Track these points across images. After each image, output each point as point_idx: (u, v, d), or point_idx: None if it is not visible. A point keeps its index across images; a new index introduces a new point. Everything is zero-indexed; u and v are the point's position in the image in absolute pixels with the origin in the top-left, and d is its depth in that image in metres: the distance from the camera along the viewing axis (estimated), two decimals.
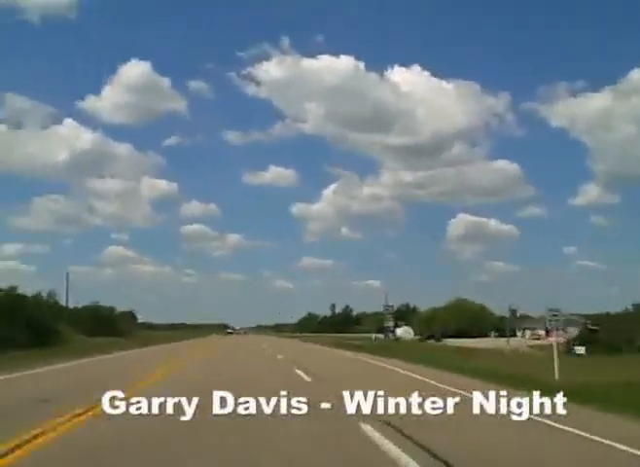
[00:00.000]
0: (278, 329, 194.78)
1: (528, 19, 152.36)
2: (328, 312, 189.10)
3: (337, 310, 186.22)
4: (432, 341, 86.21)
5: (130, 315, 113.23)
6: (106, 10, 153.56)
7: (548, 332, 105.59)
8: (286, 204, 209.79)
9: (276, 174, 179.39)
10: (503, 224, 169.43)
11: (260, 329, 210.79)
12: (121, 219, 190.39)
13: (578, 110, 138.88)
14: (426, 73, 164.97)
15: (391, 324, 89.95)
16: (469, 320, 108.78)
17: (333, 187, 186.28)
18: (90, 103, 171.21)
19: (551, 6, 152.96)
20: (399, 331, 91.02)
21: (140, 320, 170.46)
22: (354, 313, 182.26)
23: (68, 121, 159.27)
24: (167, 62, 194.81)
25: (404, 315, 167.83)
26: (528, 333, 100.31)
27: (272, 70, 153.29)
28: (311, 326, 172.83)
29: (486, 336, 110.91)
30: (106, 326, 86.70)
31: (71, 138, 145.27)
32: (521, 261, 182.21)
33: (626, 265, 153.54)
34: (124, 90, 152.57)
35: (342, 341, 73.36)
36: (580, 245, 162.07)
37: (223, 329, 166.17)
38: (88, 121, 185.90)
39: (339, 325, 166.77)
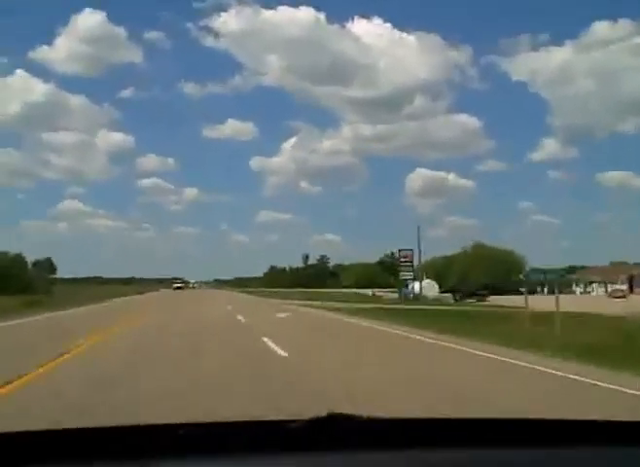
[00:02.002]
0: (240, 284, 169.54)
1: None
2: (293, 265, 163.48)
3: (311, 261, 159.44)
4: (471, 300, 60.50)
5: (47, 266, 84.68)
6: None
7: (632, 286, 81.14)
8: (245, 158, 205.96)
9: (235, 128, 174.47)
10: (461, 178, 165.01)
11: (218, 283, 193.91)
12: (75, 173, 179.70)
13: (538, 64, 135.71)
14: (387, 25, 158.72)
15: (409, 276, 63.51)
16: (499, 271, 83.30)
17: (292, 140, 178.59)
18: (43, 54, 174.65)
19: None
20: (418, 286, 64.65)
21: (92, 275, 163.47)
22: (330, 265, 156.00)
23: (19, 71, 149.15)
24: (123, 12, 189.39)
25: (395, 267, 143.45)
26: (594, 287, 76.05)
27: (231, 21, 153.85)
28: (280, 280, 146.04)
29: (534, 292, 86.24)
30: (9, 280, 64.89)
31: (23, 90, 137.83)
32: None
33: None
34: (78, 41, 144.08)
35: (346, 302, 47.43)
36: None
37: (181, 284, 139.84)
38: (40, 72, 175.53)
39: (313, 279, 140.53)
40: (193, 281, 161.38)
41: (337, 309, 33.99)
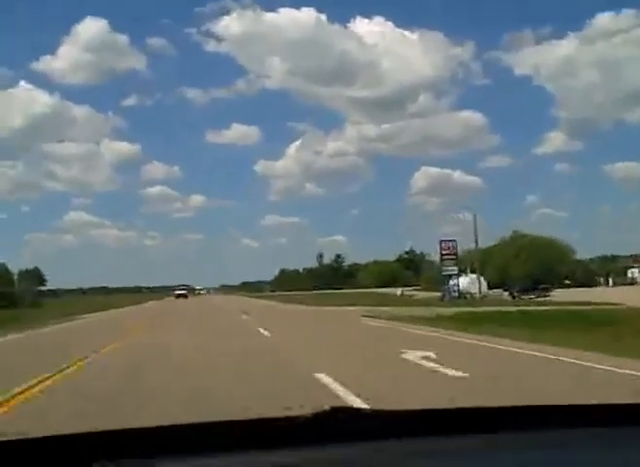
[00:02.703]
0: (249, 288, 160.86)
1: None
2: (305, 266, 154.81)
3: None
4: (531, 297, 50.89)
5: (34, 277, 75.25)
6: None
7: None
8: (250, 162, 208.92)
9: (240, 132, 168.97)
10: (467, 175, 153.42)
11: (226, 289, 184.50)
12: (81, 184, 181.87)
13: (542, 58, 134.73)
14: (389, 23, 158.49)
15: (453, 271, 53.99)
16: (543, 262, 73.71)
17: (297, 143, 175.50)
18: (46, 64, 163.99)
19: None
20: (464, 281, 55.06)
21: (99, 285, 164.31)
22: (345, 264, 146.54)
23: (23, 83, 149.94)
24: (125, 19, 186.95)
25: (416, 265, 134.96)
26: None
27: (233, 25, 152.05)
28: (293, 282, 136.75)
29: (585, 285, 76.26)
30: None
31: (27, 101, 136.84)
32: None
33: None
34: (81, 49, 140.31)
35: (404, 306, 38.56)
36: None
37: (189, 290, 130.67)
38: (44, 82, 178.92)
39: (329, 279, 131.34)
40: (199, 287, 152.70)
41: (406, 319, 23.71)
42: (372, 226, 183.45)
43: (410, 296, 68.45)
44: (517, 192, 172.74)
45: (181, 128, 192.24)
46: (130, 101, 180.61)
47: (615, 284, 71.29)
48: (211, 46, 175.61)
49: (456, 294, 52.66)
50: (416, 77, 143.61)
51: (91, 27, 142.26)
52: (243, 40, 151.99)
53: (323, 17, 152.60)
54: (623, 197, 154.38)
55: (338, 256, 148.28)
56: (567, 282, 76.68)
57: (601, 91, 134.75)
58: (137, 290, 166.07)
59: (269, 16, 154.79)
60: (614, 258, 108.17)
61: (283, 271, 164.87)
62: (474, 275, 59.25)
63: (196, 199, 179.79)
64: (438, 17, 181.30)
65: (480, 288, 51.50)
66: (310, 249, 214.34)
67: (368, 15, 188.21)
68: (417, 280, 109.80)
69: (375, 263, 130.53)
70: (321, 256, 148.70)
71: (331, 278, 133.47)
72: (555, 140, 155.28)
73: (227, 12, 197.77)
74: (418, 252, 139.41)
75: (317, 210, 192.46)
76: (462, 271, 58.40)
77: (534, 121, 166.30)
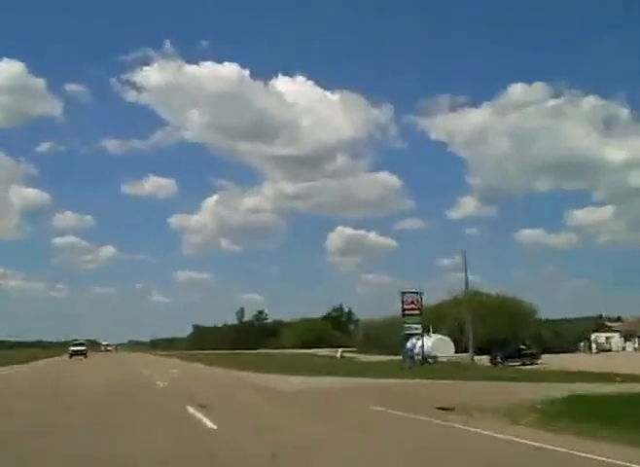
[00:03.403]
0: (160, 345, 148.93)
1: (414, 33, 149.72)
2: (220, 323, 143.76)
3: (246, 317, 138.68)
4: (514, 364, 41.80)
5: None
6: None
7: None
8: (165, 215, 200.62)
9: (156, 184, 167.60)
10: (382, 236, 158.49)
11: (136, 345, 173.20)
12: None
13: (456, 125, 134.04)
14: (310, 83, 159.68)
15: (417, 330, 44.22)
16: (502, 322, 65.48)
17: (214, 198, 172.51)
18: None
19: (435, 21, 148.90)
20: (429, 343, 45.57)
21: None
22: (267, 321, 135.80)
23: None
24: (44, 63, 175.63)
25: (344, 324, 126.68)
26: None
27: (154, 76, 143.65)
28: (211, 340, 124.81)
29: (565, 350, 67.52)
30: None
31: None
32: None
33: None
34: None
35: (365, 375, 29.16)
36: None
37: (93, 345, 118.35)
38: None
39: (251, 337, 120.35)
40: (105, 343, 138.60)
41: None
42: (289, 284, 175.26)
43: (343, 356, 59.11)
44: (432, 254, 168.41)
45: (96, 178, 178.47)
46: (43, 147, 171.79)
47: (603, 351, 63.64)
48: (131, 96, 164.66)
49: (420, 357, 43.20)
50: (335, 137, 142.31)
51: (7, 69, 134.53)
52: (164, 91, 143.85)
53: (246, 72, 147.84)
54: (534, 262, 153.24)
55: (260, 312, 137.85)
56: (525, 345, 68.27)
57: (512, 161, 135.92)
58: (40, 344, 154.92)
59: (191, 68, 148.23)
60: (548, 321, 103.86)
61: (198, 328, 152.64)
62: (439, 336, 50.05)
63: (108, 251, 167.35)
64: (359, 78, 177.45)
65: (471, 352, 42.00)
66: (226, 306, 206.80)
67: (289, 73, 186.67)
68: (348, 340, 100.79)
69: (303, 320, 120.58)
70: (242, 312, 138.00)
71: (253, 336, 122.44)
72: (468, 205, 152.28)
73: (148, 62, 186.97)
74: (346, 310, 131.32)
75: (233, 266, 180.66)
76: (434, 331, 49.43)
77: (448, 185, 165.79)
